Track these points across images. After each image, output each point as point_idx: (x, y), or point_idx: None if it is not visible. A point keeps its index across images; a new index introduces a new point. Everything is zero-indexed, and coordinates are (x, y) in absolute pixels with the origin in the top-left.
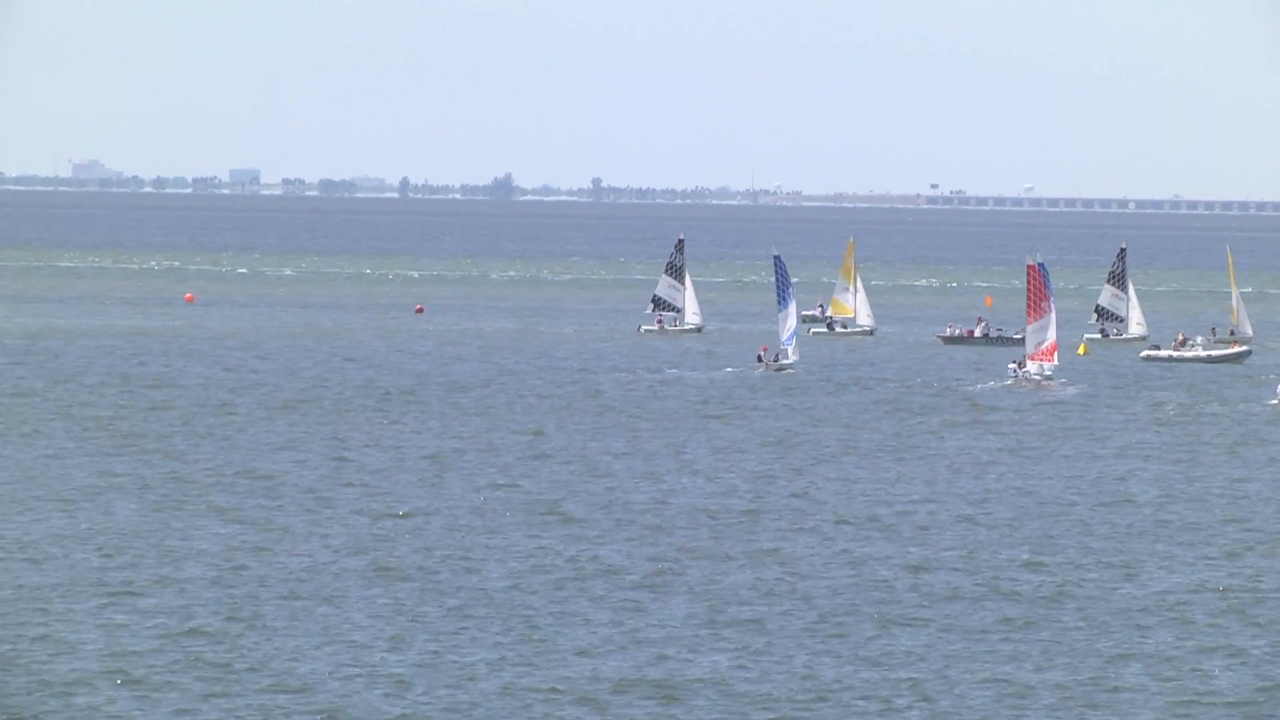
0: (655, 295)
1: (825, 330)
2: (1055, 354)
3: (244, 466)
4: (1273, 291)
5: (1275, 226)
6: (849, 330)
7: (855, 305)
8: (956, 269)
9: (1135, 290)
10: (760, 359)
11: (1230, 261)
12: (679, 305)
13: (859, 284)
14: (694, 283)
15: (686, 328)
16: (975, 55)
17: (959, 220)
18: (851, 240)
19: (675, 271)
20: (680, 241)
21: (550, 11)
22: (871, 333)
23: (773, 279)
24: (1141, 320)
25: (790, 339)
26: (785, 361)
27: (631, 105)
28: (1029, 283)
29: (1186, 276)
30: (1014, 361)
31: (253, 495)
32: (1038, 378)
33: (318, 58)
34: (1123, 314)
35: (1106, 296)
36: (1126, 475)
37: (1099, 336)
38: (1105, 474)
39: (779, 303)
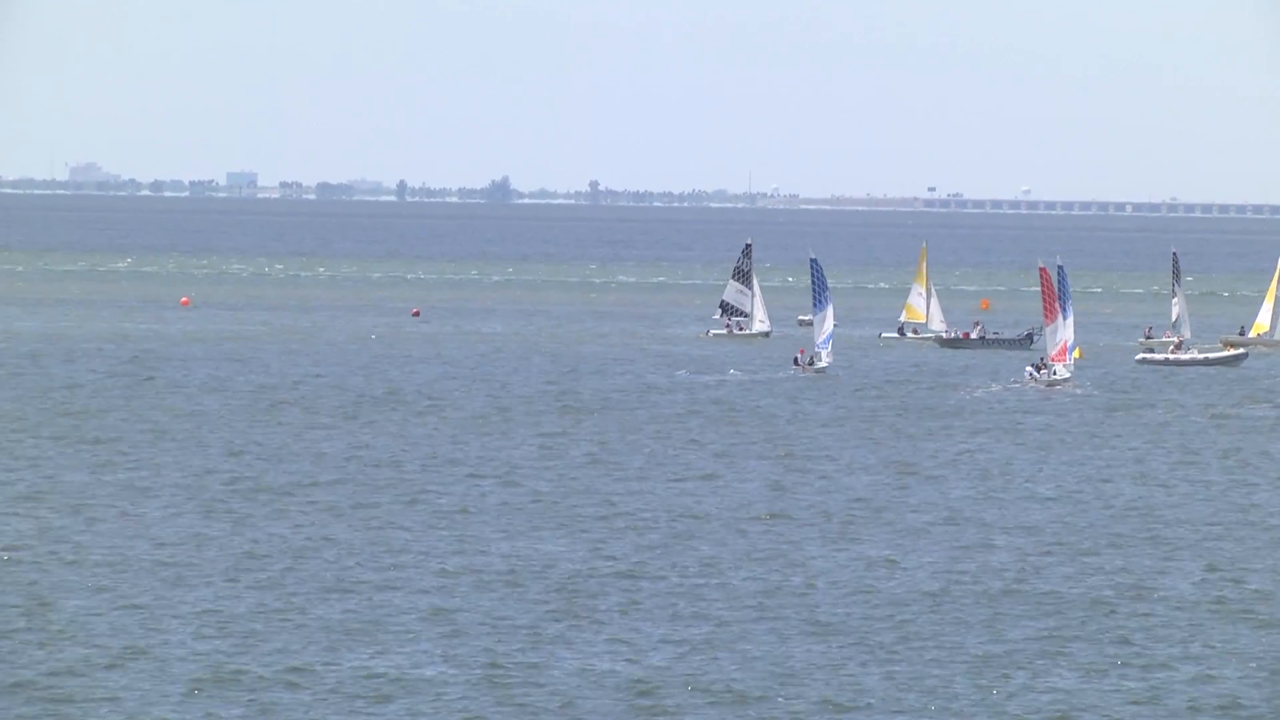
0: (723, 300)
1: (897, 336)
2: (1066, 354)
3: (247, 470)
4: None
5: (1271, 230)
6: (920, 335)
7: (929, 311)
8: (963, 271)
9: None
10: (796, 361)
11: None
12: (747, 310)
13: (932, 289)
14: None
15: (755, 332)
16: (972, 58)
17: (958, 223)
18: (924, 245)
19: (743, 276)
20: (748, 246)
21: (547, 15)
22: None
23: (807, 282)
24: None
25: (826, 342)
26: (821, 364)
27: (628, 108)
28: (1043, 285)
29: (1197, 279)
30: (1031, 364)
31: (260, 501)
32: (1056, 379)
33: (315, 61)
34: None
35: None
36: (1138, 477)
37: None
38: (1116, 475)
39: (815, 306)
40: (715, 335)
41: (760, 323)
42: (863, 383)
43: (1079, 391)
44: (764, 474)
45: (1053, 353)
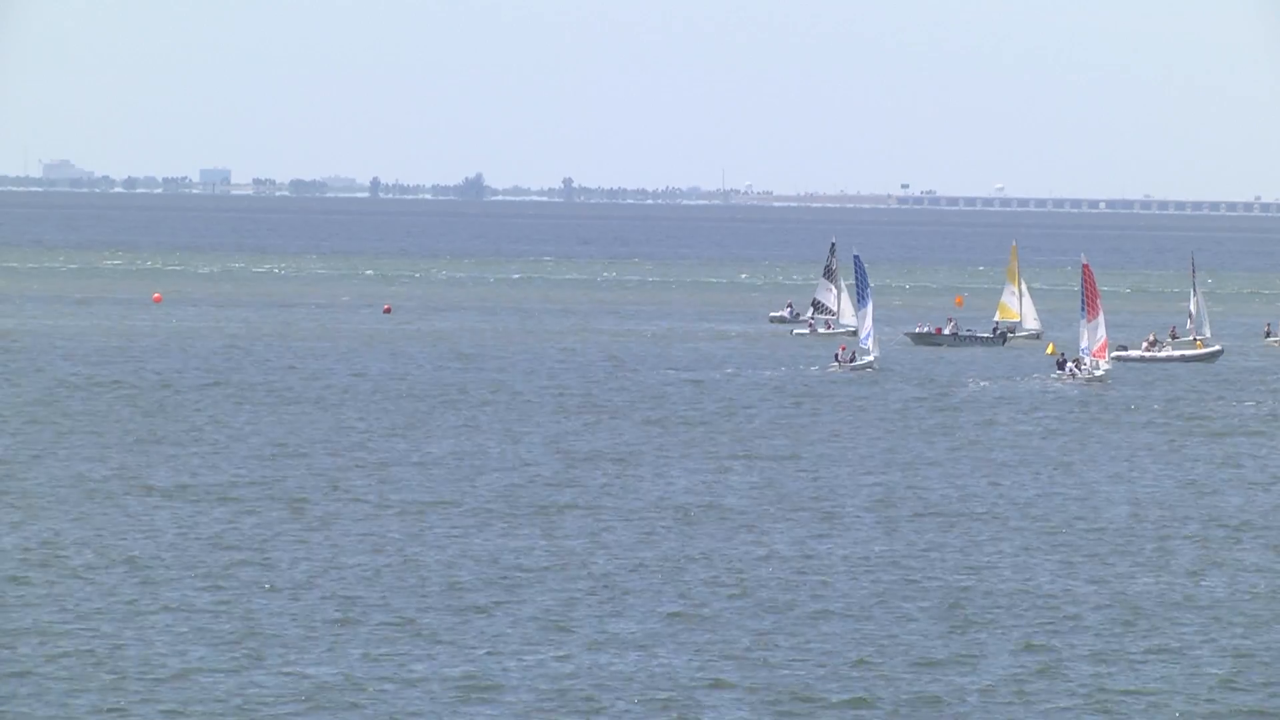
0: (815, 299)
1: (990, 335)
2: (1106, 351)
3: (232, 469)
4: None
5: (1245, 227)
6: (1015, 334)
7: (1021, 309)
8: (937, 269)
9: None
10: (837, 359)
11: None
12: (833, 308)
13: (1023, 287)
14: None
15: (840, 330)
16: (946, 55)
17: (932, 220)
18: (1015, 244)
19: (829, 275)
20: (833, 245)
21: (521, 12)
22: (1038, 336)
23: (850, 280)
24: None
25: (867, 338)
26: (860, 361)
27: (602, 106)
28: (1085, 282)
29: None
30: (1071, 360)
31: (245, 499)
32: (1099, 374)
33: (288, 58)
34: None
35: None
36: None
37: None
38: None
39: (858, 302)
40: (798, 334)
41: (849, 317)
42: (899, 380)
43: (1116, 390)
44: (798, 469)
45: (1094, 349)
